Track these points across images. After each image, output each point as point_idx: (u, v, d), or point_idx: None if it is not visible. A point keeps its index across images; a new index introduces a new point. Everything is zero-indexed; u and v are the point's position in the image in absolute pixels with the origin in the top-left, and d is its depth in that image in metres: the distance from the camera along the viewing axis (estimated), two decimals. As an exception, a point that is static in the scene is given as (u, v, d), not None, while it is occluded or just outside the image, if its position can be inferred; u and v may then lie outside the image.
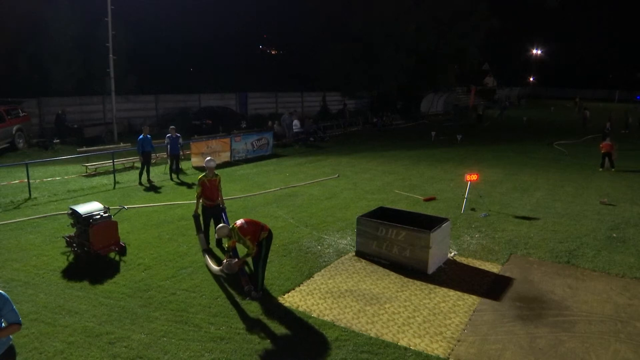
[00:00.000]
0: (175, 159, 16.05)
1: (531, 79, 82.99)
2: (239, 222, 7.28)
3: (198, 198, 9.16)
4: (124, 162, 17.61)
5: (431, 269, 8.22)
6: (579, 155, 21.34)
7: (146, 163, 15.11)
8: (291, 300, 7.26)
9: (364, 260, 8.79)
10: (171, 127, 16.31)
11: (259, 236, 7.24)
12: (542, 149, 23.62)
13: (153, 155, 18.59)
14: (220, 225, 7.66)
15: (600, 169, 17.68)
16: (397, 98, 42.70)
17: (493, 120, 36.88)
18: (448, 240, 9.12)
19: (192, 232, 9.85)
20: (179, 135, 16.26)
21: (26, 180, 13.49)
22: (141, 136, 15.26)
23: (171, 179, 15.80)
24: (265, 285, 7.69)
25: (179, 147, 16.40)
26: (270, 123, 26.87)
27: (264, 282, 7.49)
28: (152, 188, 14.60)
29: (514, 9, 67.20)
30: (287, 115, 26.40)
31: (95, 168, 16.63)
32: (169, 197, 13.43)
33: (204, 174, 9.26)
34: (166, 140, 16.00)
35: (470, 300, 7.26)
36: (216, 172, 9.50)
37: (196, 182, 9.40)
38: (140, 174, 15.15)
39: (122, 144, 20.47)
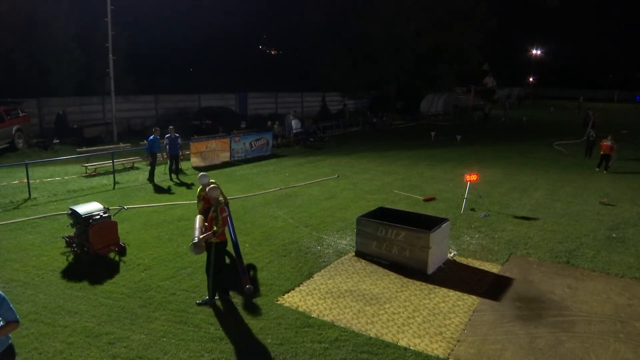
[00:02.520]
0: (174, 159, 16.04)
1: (531, 79, 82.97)
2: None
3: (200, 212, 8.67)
4: (124, 162, 17.61)
5: (431, 269, 8.23)
6: (579, 155, 21.32)
7: (153, 163, 15.28)
8: (291, 300, 7.26)
9: (363, 261, 8.79)
10: (170, 127, 16.29)
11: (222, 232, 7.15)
12: (542, 149, 23.62)
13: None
14: (204, 174, 7.70)
15: (597, 169, 17.72)
16: (397, 98, 42.71)
17: (501, 123, 37.22)
18: (448, 240, 9.12)
19: (192, 233, 9.84)
20: (177, 135, 16.24)
21: (26, 180, 13.48)
22: (151, 137, 15.44)
23: (171, 179, 15.79)
24: (265, 285, 7.70)
25: (178, 147, 16.37)
26: (269, 123, 26.86)
27: (215, 289, 7.18)
28: (153, 188, 14.60)
29: (513, 8, 67.23)
30: (290, 115, 26.38)
31: (95, 168, 16.62)
32: (168, 198, 13.43)
33: (200, 187, 8.70)
34: (165, 141, 15.96)
35: (470, 301, 7.26)
36: (212, 180, 8.92)
37: (196, 184, 9.22)
38: (152, 174, 15.36)
39: (121, 144, 20.47)
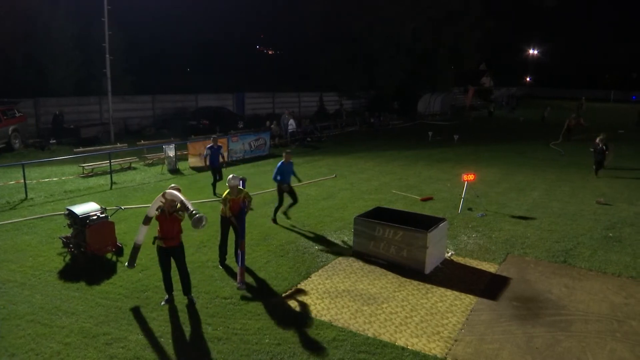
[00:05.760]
0: (217, 171, 14.06)
1: (528, 79, 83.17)
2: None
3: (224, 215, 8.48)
4: (121, 162, 17.57)
5: (428, 268, 8.24)
6: (576, 155, 21.38)
7: (291, 194, 11.53)
8: (289, 300, 7.25)
9: (361, 261, 8.79)
10: (213, 136, 14.95)
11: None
12: (539, 149, 23.67)
13: (152, 155, 18.60)
14: (235, 175, 8.32)
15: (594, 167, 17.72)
16: (394, 98, 42.81)
17: (509, 120, 39.82)
18: (445, 240, 9.13)
19: (190, 232, 9.81)
20: (220, 145, 14.68)
21: (22, 180, 13.43)
22: (281, 163, 11.47)
23: (214, 194, 13.85)
24: (263, 285, 7.71)
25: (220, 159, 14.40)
26: (268, 123, 26.82)
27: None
28: (152, 189, 14.57)
29: (511, 8, 67.44)
30: (286, 115, 26.39)
31: (92, 168, 16.58)
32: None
33: (228, 191, 8.40)
34: (206, 151, 14.30)
35: (468, 300, 7.27)
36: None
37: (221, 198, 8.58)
38: (288, 204, 11.96)
39: (119, 145, 20.44)
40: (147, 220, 7.18)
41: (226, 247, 8.64)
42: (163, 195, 6.83)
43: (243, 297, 7.28)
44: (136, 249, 7.45)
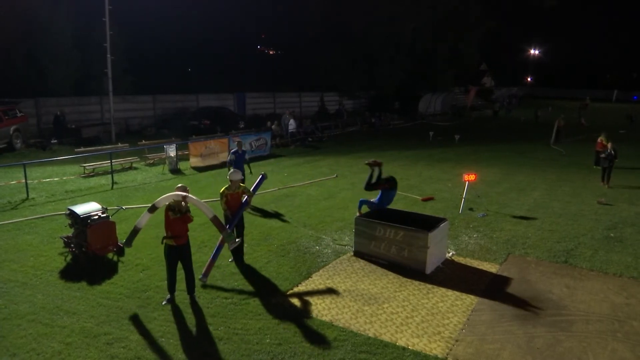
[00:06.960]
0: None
1: (529, 79, 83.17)
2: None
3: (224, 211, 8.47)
4: (122, 162, 17.57)
5: (429, 269, 8.24)
6: (577, 155, 21.37)
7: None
8: (289, 300, 7.26)
9: (362, 260, 8.79)
10: (238, 140, 14.21)
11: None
12: (539, 149, 23.66)
13: (153, 155, 18.61)
14: (237, 170, 8.61)
15: (595, 167, 17.73)
16: (395, 98, 42.82)
17: (509, 120, 40.86)
18: (446, 240, 9.14)
19: (191, 232, 9.80)
20: (245, 150, 13.91)
21: (24, 180, 13.45)
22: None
23: None
24: (263, 285, 7.72)
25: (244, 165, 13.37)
26: (269, 123, 26.79)
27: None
28: (153, 189, 14.58)
29: (511, 9, 67.43)
30: (287, 115, 26.40)
31: (93, 168, 16.59)
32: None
33: (227, 186, 8.42)
34: (230, 156, 13.41)
35: (469, 300, 7.27)
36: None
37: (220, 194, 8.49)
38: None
39: (120, 144, 20.45)
40: (152, 209, 7.17)
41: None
42: (184, 198, 6.89)
43: (244, 297, 7.28)
44: (135, 231, 7.38)
